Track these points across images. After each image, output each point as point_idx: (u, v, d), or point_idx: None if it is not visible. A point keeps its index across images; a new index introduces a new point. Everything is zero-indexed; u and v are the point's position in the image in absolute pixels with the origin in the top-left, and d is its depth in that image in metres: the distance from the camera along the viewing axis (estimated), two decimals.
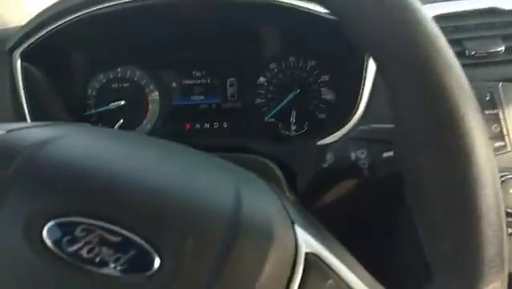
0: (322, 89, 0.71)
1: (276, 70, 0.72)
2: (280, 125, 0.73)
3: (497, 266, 0.26)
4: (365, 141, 0.38)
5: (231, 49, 0.72)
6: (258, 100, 0.73)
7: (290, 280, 0.27)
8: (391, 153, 0.37)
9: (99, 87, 0.75)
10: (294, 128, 0.71)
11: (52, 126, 0.33)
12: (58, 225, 0.26)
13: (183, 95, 0.75)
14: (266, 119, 0.73)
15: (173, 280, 0.25)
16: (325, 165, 0.40)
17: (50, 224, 0.26)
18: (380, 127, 0.39)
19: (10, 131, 0.32)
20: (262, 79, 0.73)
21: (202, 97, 0.74)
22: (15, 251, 0.26)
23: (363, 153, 0.38)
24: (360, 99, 0.58)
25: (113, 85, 0.75)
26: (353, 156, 0.38)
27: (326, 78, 0.71)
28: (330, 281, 0.27)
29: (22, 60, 0.64)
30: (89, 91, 0.75)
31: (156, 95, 0.75)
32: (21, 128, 0.31)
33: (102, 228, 0.26)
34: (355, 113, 0.59)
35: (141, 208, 0.27)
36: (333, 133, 0.58)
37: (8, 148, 0.29)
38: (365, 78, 0.59)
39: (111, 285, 0.25)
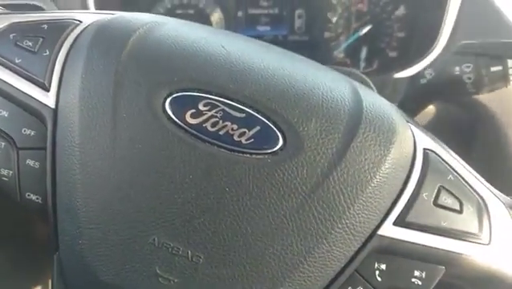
0: (395, 26, 0.68)
1: (347, 3, 0.70)
2: (349, 61, 0.71)
3: None
4: (472, 55, 0.36)
5: None
6: (327, 34, 0.71)
7: (409, 174, 0.27)
8: (500, 68, 0.35)
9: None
10: (363, 64, 0.69)
11: (152, 16, 0.33)
12: (181, 98, 0.26)
13: (248, 26, 0.73)
14: (335, 54, 0.71)
15: (296, 159, 0.25)
16: (423, 81, 0.38)
17: (172, 96, 0.26)
18: (491, 41, 0.37)
19: (118, 16, 0.32)
20: (332, 12, 0.70)
21: (268, 28, 0.72)
22: (138, 121, 0.26)
23: (468, 67, 0.36)
24: (442, 31, 0.56)
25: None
26: (457, 69, 0.37)
27: (400, 13, 0.68)
28: (450, 176, 0.27)
29: None
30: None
31: (221, 24, 0.74)
32: (125, 15, 0.31)
33: (225, 104, 0.26)
34: (436, 46, 0.56)
35: (263, 87, 0.26)
36: (412, 66, 0.56)
37: (123, 28, 0.29)
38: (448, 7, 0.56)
39: (235, 158, 0.25)
